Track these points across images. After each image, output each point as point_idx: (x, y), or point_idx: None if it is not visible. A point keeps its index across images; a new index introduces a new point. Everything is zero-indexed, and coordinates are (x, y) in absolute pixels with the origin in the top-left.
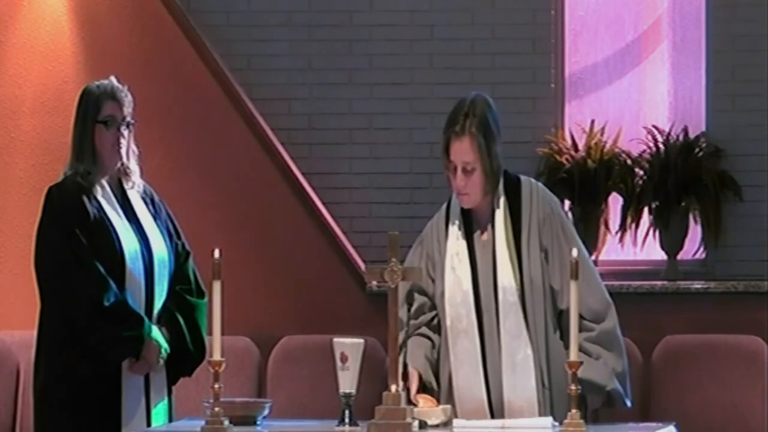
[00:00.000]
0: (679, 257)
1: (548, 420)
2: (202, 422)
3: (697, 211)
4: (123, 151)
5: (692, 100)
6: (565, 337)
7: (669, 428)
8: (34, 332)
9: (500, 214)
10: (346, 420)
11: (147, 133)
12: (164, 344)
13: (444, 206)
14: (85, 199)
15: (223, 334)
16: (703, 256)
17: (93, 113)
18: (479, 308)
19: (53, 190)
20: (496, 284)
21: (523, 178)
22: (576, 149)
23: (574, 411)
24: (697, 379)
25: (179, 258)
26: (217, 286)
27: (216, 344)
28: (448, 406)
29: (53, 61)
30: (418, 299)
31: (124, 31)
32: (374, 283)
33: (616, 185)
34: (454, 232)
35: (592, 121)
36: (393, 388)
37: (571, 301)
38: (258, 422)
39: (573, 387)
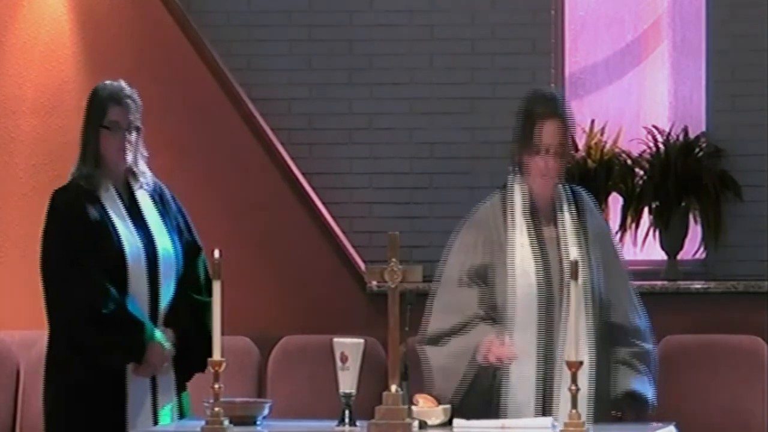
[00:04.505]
0: (679, 257)
1: (548, 420)
2: (202, 422)
3: (697, 211)
4: (128, 155)
5: (692, 100)
6: (607, 350)
7: (669, 428)
8: (35, 332)
9: (567, 212)
10: (346, 420)
11: (146, 133)
12: (168, 346)
13: (497, 195)
14: (87, 202)
15: (223, 334)
16: (703, 256)
17: (98, 117)
18: (541, 303)
19: (57, 194)
20: (562, 282)
21: (576, 186)
22: (576, 149)
23: (574, 411)
24: (697, 379)
25: (189, 254)
26: (217, 286)
27: (216, 344)
28: (449, 406)
29: (53, 61)
30: (483, 288)
31: (124, 31)
32: (374, 283)
33: (616, 185)
34: (519, 222)
35: (592, 121)
36: (393, 388)
37: (572, 301)
38: (258, 422)
39: (573, 387)
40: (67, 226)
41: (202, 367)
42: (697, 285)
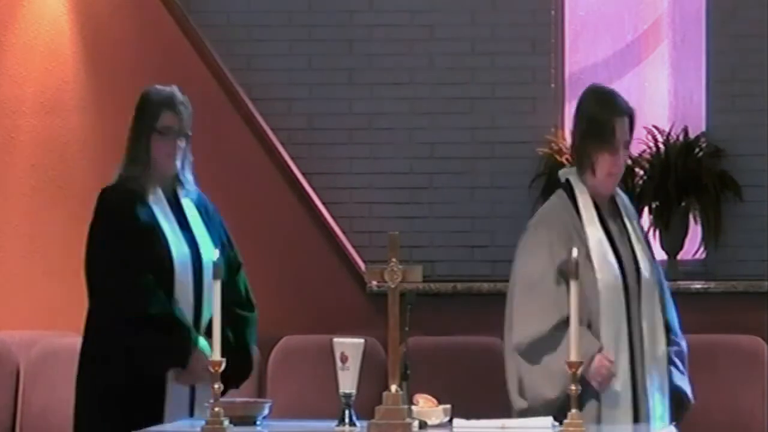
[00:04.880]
0: (679, 257)
1: (548, 420)
2: (202, 422)
3: (697, 211)
4: (178, 162)
5: (692, 100)
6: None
7: (669, 428)
8: (35, 332)
9: (627, 207)
10: (346, 420)
11: None
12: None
13: (562, 192)
14: (138, 204)
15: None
16: (703, 256)
17: (150, 121)
18: (624, 296)
19: (106, 192)
20: (638, 275)
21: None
22: None
23: (574, 411)
24: (697, 379)
25: (230, 269)
26: (217, 286)
27: (216, 344)
28: (449, 406)
29: (53, 61)
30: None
31: (124, 31)
32: (374, 283)
33: None
34: (590, 218)
35: None
36: (393, 388)
37: (571, 301)
38: (258, 422)
39: (573, 387)
40: (116, 225)
41: (237, 383)
42: (697, 285)
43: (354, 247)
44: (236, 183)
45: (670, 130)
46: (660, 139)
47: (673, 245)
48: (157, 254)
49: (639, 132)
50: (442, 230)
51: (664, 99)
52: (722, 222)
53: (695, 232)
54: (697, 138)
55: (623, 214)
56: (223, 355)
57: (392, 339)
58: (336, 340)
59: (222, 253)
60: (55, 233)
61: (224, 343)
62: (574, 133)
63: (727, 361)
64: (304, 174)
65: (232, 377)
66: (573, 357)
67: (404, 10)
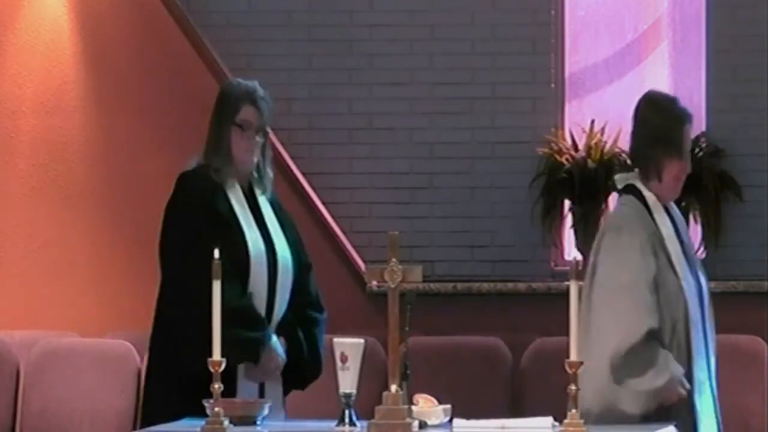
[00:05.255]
0: None
1: (548, 420)
2: (202, 422)
3: (697, 211)
4: (255, 157)
5: (692, 100)
6: None
7: (669, 428)
8: (35, 332)
9: (677, 213)
10: (346, 420)
11: (147, 133)
12: (282, 354)
13: (631, 198)
14: (216, 193)
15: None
16: (703, 256)
17: (231, 114)
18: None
19: (187, 176)
20: (699, 283)
21: None
22: (576, 149)
23: (573, 411)
24: None
25: (301, 270)
26: (217, 286)
27: (216, 344)
28: (449, 406)
29: (53, 61)
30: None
31: (124, 31)
32: (374, 283)
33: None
34: (666, 225)
35: (592, 121)
36: (393, 388)
37: (571, 301)
38: (258, 422)
39: (573, 387)
40: (194, 212)
41: (305, 384)
42: None
43: (354, 247)
44: None
45: None
46: None
47: None
48: (234, 246)
49: None
50: (442, 230)
51: None
52: (722, 222)
53: (695, 232)
54: (697, 138)
55: (676, 220)
56: (293, 356)
57: (392, 339)
58: (336, 340)
59: (293, 253)
60: (55, 233)
61: (295, 343)
62: (636, 141)
63: (727, 361)
64: (304, 174)
65: (303, 378)
66: (573, 357)
67: (404, 10)
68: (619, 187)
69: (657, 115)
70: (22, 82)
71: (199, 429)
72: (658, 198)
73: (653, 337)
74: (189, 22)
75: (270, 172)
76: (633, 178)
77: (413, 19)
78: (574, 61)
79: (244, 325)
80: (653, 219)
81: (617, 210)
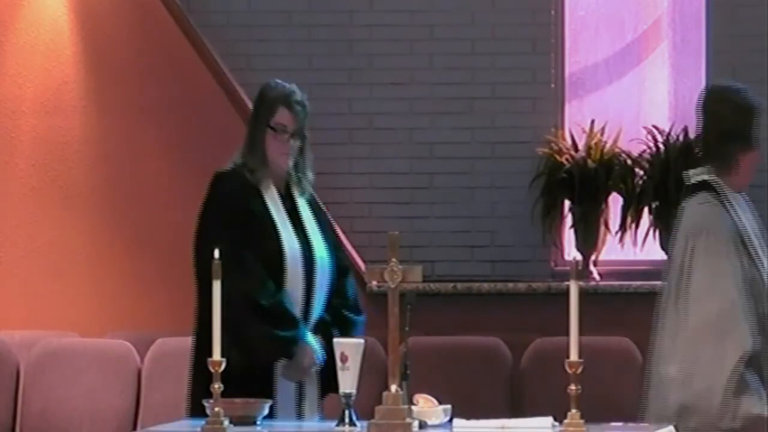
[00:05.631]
0: None
1: (548, 420)
2: (202, 422)
3: None
4: (290, 161)
5: (692, 100)
6: None
7: (669, 428)
8: (35, 332)
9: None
10: (346, 420)
11: (147, 133)
12: (319, 351)
13: (707, 196)
14: (251, 193)
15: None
16: None
17: (266, 116)
18: None
19: (221, 176)
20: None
21: None
22: (576, 149)
23: (574, 411)
24: None
25: (340, 271)
26: (217, 286)
27: (216, 344)
28: (449, 406)
29: (53, 61)
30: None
31: (124, 31)
32: (374, 283)
33: (616, 185)
34: (746, 217)
35: (592, 121)
36: (393, 388)
37: (571, 301)
38: (258, 422)
39: (573, 387)
40: (228, 212)
41: (338, 389)
42: None
43: (354, 247)
44: None
45: (670, 130)
46: (660, 139)
47: None
48: (269, 247)
49: (639, 132)
50: (442, 230)
51: (664, 99)
52: None
53: None
54: (698, 138)
55: (749, 211)
56: (329, 357)
57: (392, 339)
58: (336, 340)
59: (332, 255)
60: (55, 233)
61: (331, 344)
62: (707, 137)
63: None
64: None
65: (336, 381)
66: (573, 357)
67: (404, 10)
68: (692, 182)
69: (727, 109)
70: (22, 82)
71: (199, 429)
72: (734, 190)
73: (758, 342)
74: (189, 22)
75: (309, 174)
76: (706, 173)
77: (413, 19)
78: (574, 61)
79: (277, 323)
80: (732, 214)
81: (696, 209)
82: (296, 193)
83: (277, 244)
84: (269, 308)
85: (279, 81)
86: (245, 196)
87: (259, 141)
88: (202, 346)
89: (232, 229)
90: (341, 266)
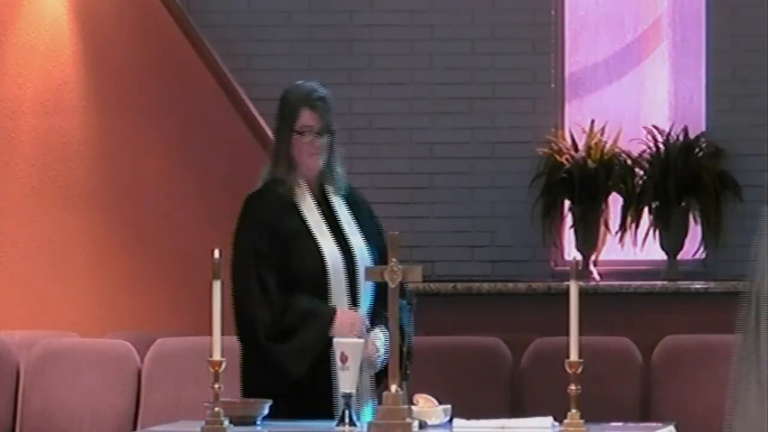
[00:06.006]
0: (679, 257)
1: (548, 420)
2: (202, 422)
3: (697, 211)
4: (321, 160)
5: (692, 100)
6: None
7: (669, 428)
8: (35, 332)
9: None
10: (346, 420)
11: (147, 133)
12: (383, 341)
13: None
14: (283, 210)
15: (223, 334)
16: (703, 256)
17: (290, 121)
18: None
19: (251, 199)
20: None
21: None
22: (576, 149)
23: (574, 411)
24: (697, 379)
25: (383, 259)
26: (217, 286)
27: (216, 344)
28: (449, 406)
29: (53, 61)
30: None
31: (124, 31)
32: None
33: (616, 185)
34: None
35: (592, 121)
36: (393, 388)
37: (571, 301)
38: (258, 422)
39: (573, 387)
40: (255, 236)
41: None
42: (697, 285)
43: None
44: (236, 183)
45: (670, 130)
46: (660, 139)
47: (673, 245)
48: (309, 259)
49: (639, 132)
50: (442, 230)
51: (664, 99)
52: (722, 222)
53: (695, 232)
54: (697, 138)
55: None
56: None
57: (392, 339)
58: (336, 340)
59: (372, 245)
60: (55, 233)
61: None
62: None
63: (727, 361)
64: None
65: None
66: (573, 357)
67: (404, 10)
68: None
69: None
70: (22, 82)
71: (199, 429)
72: None
73: None
74: (189, 22)
75: (339, 170)
76: None
77: (413, 19)
78: (574, 61)
79: (284, 341)
80: None
81: None
82: (331, 193)
83: (319, 258)
84: (305, 311)
85: (299, 82)
86: (275, 215)
87: (286, 147)
88: (249, 367)
89: (257, 253)
90: (384, 253)
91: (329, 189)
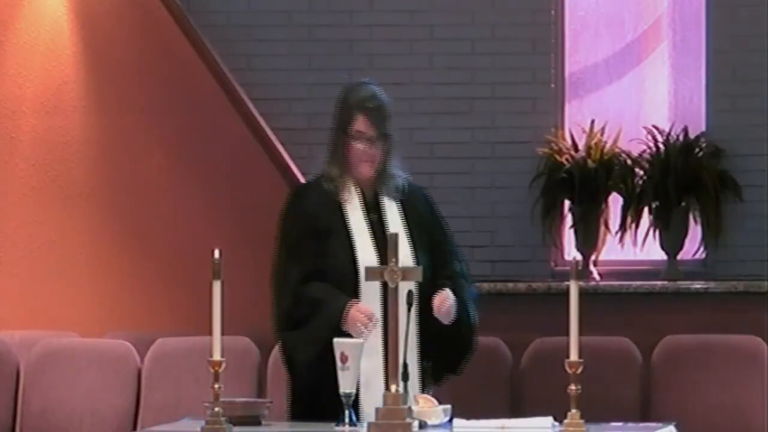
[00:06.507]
0: (679, 257)
1: (548, 420)
2: (202, 422)
3: (697, 211)
4: (372, 167)
5: (692, 100)
6: None
7: (669, 428)
8: (35, 332)
9: None
10: (346, 420)
11: (147, 133)
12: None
13: None
14: (323, 206)
15: (223, 334)
16: (703, 256)
17: (344, 124)
18: None
19: (296, 191)
20: None
21: None
22: (576, 149)
23: (574, 411)
24: (697, 379)
25: (440, 264)
26: (217, 286)
27: (216, 344)
28: (449, 406)
29: (53, 61)
30: None
31: (124, 31)
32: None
33: (616, 185)
34: None
35: (592, 121)
36: (393, 388)
37: (571, 301)
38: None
39: (573, 387)
40: (290, 231)
41: (460, 361)
42: (697, 285)
43: None
44: (236, 183)
45: (670, 130)
46: (660, 139)
47: (673, 245)
48: (341, 261)
49: (639, 132)
50: None
51: (664, 99)
52: (722, 222)
53: (695, 232)
54: (697, 138)
55: None
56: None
57: (392, 339)
58: (336, 340)
59: (421, 255)
60: (55, 233)
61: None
62: None
63: (727, 361)
64: (304, 174)
65: (455, 348)
66: (573, 357)
67: (404, 10)
68: None
69: None
70: (22, 82)
71: (199, 429)
72: None
73: None
74: (189, 22)
75: (395, 175)
76: None
77: (413, 19)
78: (574, 61)
79: (319, 309)
80: None
81: None
82: (382, 194)
83: (350, 258)
84: (286, 323)
85: (359, 82)
86: (313, 210)
87: (341, 148)
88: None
89: (290, 249)
90: (442, 258)
91: (383, 194)
